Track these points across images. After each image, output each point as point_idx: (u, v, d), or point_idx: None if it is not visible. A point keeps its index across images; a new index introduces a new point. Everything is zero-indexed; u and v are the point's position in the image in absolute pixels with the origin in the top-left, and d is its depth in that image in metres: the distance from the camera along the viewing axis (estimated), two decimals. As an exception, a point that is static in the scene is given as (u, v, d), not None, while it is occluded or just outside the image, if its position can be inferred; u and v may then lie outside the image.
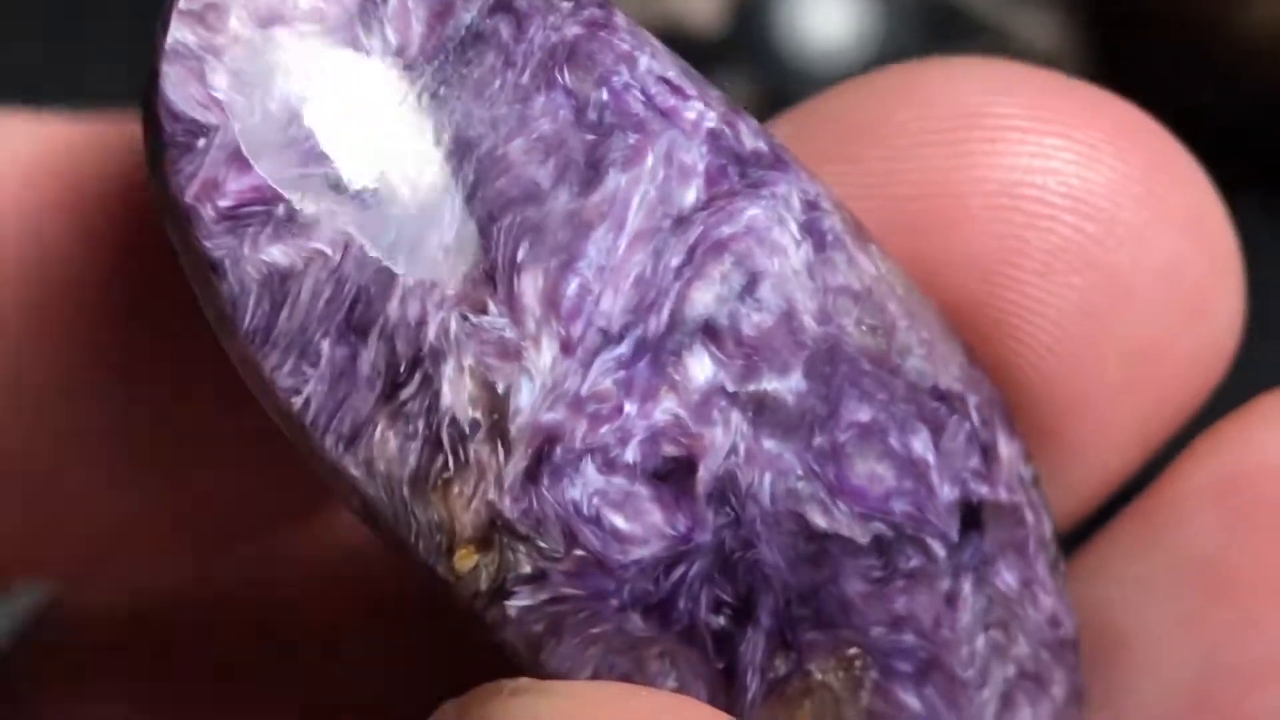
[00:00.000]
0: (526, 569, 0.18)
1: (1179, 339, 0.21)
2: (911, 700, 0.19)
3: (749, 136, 0.19)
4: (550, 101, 0.18)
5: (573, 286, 0.18)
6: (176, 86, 0.17)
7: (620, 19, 0.19)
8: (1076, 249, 0.21)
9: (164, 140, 0.17)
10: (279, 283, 0.17)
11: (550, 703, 0.17)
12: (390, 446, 0.17)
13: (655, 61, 0.19)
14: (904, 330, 0.20)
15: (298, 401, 0.17)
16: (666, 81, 0.19)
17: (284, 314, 0.17)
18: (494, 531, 0.17)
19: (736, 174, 0.19)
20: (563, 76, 0.18)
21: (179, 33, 0.17)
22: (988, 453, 0.20)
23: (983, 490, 0.20)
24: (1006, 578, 0.20)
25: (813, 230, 0.19)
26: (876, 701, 0.19)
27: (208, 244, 0.17)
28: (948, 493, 0.19)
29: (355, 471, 0.17)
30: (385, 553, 0.18)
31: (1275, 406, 0.22)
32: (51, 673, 0.25)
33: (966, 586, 0.20)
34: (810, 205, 0.20)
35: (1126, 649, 0.22)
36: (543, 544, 0.18)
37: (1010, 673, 0.20)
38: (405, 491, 0.17)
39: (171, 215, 0.17)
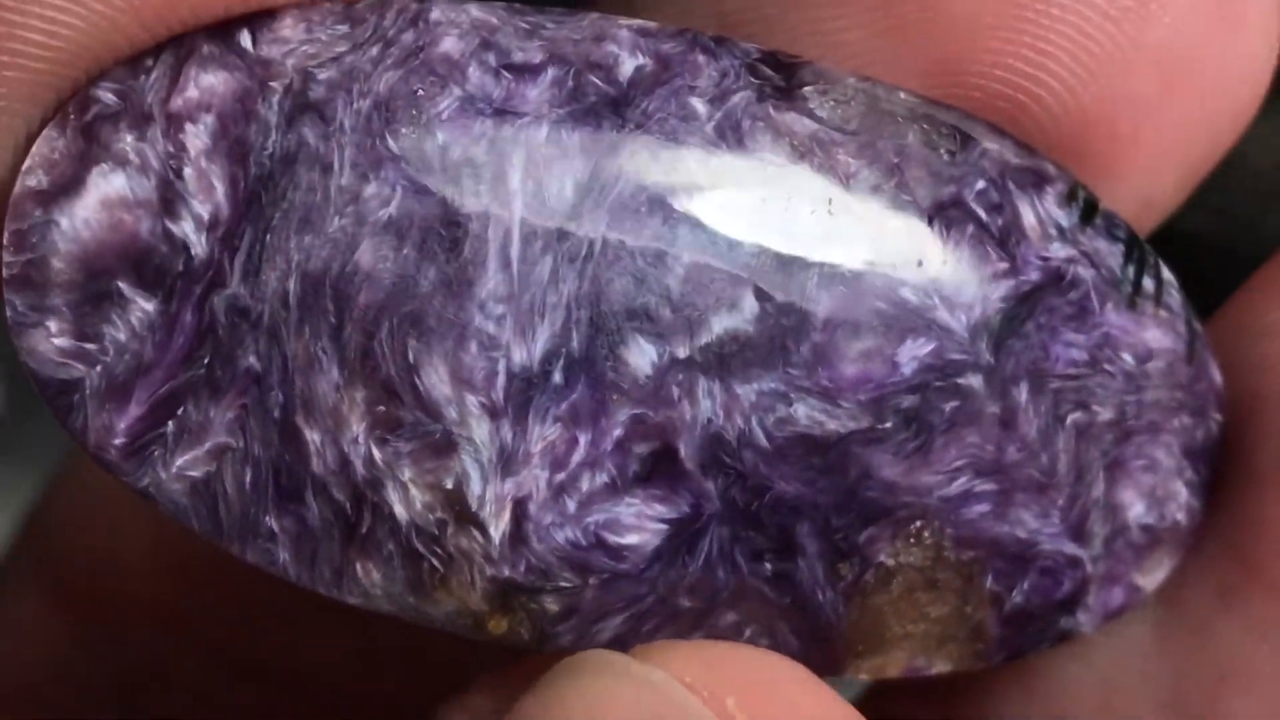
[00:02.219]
0: (556, 608, 0.18)
1: (1212, 50, 0.19)
2: (1003, 530, 0.18)
3: (626, 62, 0.17)
4: (383, 182, 0.17)
5: (474, 354, 0.17)
6: (32, 355, 0.17)
7: (437, 13, 0.17)
8: None
9: (50, 404, 0.17)
10: (204, 488, 0.17)
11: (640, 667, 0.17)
12: (375, 576, 0.17)
13: (491, 53, 0.17)
14: (863, 175, 0.18)
15: (277, 569, 0.18)
16: (507, 67, 0.17)
17: (222, 511, 0.17)
18: (509, 597, 0.18)
19: (614, 124, 0.17)
20: (388, 146, 0.17)
21: (13, 299, 0.17)
22: (1007, 239, 0.18)
23: (1009, 285, 0.18)
24: (1072, 354, 0.18)
25: (726, 126, 0.17)
26: (964, 552, 0.18)
27: (129, 480, 0.17)
28: (964, 319, 0.18)
29: (357, 602, 0.18)
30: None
31: None
32: None
33: (1022, 396, 0.18)
34: (715, 98, 0.17)
35: (1254, 398, 0.20)
36: (561, 584, 0.18)
37: (1108, 444, 0.19)
38: (411, 600, 0.18)
39: (98, 464, 0.17)
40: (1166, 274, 0.19)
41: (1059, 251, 0.18)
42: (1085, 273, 0.18)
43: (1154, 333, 0.19)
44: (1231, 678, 0.19)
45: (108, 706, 0.23)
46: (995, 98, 0.19)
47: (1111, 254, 0.19)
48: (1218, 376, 0.20)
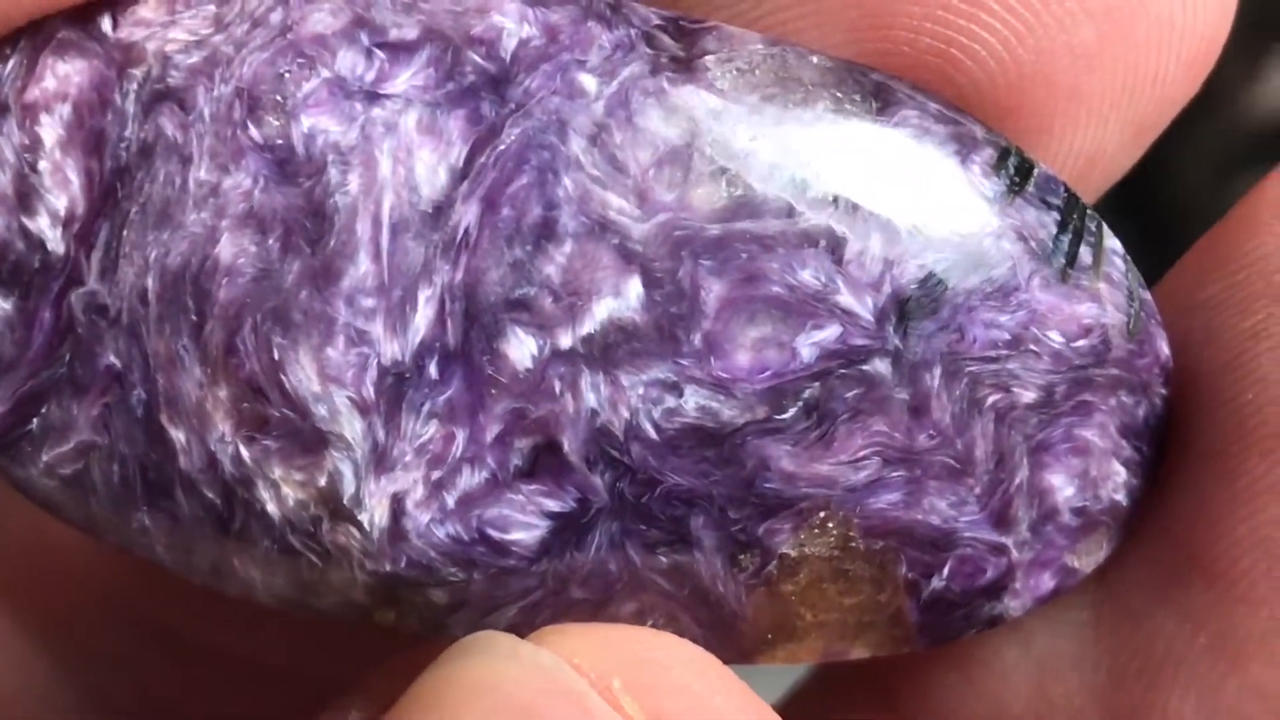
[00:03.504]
0: (444, 601, 0.17)
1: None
2: (915, 518, 0.17)
3: (510, 35, 0.17)
4: (244, 173, 0.16)
5: (343, 349, 0.16)
6: None
7: None
8: None
9: None
10: (75, 483, 0.17)
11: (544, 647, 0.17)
12: (255, 573, 0.17)
13: (364, 30, 0.17)
14: (765, 149, 0.17)
15: (158, 562, 0.17)
16: (381, 46, 0.16)
17: (94, 506, 0.17)
18: (393, 591, 0.17)
19: (492, 104, 0.16)
20: (250, 135, 0.16)
21: None
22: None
23: (921, 262, 0.17)
24: (992, 335, 0.17)
25: (615, 104, 0.17)
26: (874, 541, 0.18)
27: (8, 475, 0.17)
28: (870, 302, 0.17)
29: (239, 595, 0.17)
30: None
31: None
32: None
33: (935, 381, 0.17)
34: (606, 73, 0.17)
35: (1199, 373, 0.18)
36: (447, 578, 0.17)
37: (1032, 427, 0.18)
38: (293, 594, 0.17)
39: None
40: (1110, 242, 0.18)
41: (981, 226, 0.17)
42: (1011, 247, 0.17)
43: (1088, 307, 0.18)
44: (1167, 669, 0.19)
45: (56, 693, 0.24)
46: (926, 54, 0.18)
47: (1044, 224, 0.18)
48: (1165, 350, 0.19)
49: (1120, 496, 0.18)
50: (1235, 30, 0.20)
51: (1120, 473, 0.18)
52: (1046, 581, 0.18)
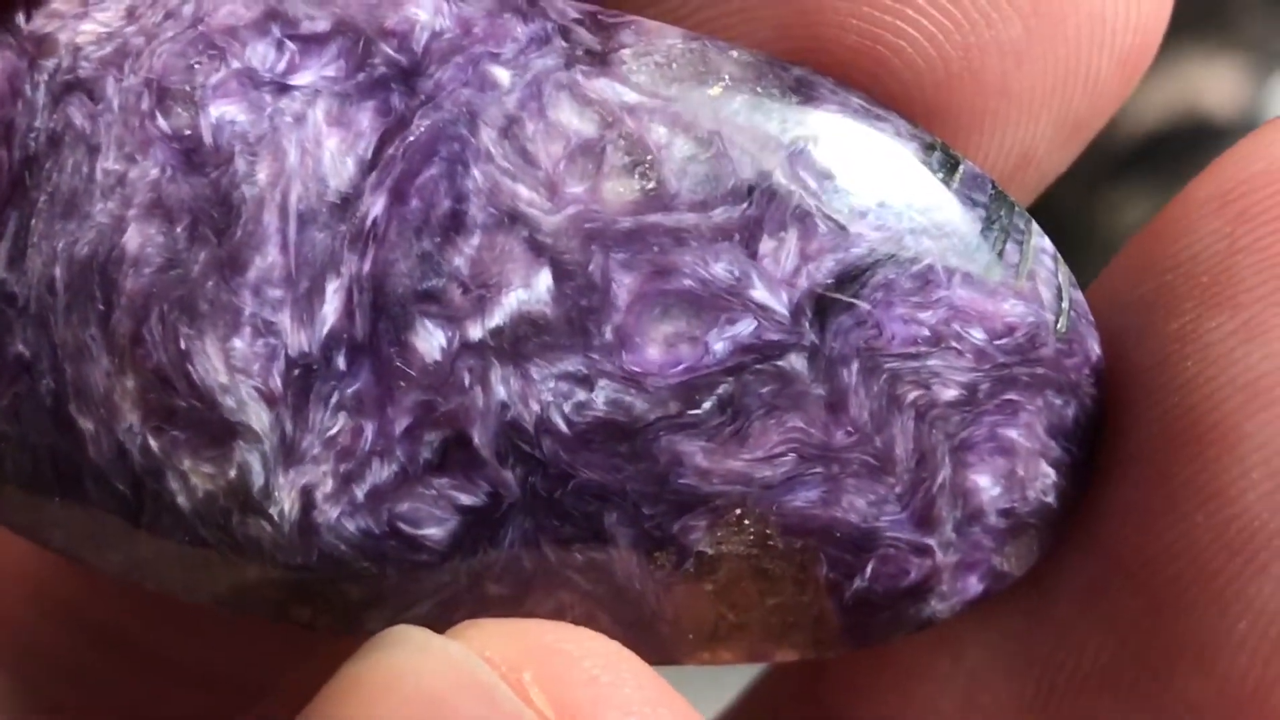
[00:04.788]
0: (358, 595, 0.17)
1: None
2: (834, 517, 0.17)
3: (423, 28, 0.17)
4: (151, 162, 0.16)
5: (249, 340, 0.16)
6: None
7: None
8: None
9: None
10: None
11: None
12: (165, 565, 0.17)
13: (276, 23, 0.17)
14: (677, 145, 0.17)
15: (73, 556, 0.17)
16: (293, 38, 0.16)
17: (7, 495, 0.17)
18: (306, 585, 0.17)
19: (402, 96, 0.16)
20: (158, 126, 0.16)
21: None
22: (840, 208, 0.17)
23: (837, 258, 0.17)
24: (911, 331, 0.17)
25: (528, 97, 0.16)
26: (793, 540, 0.17)
27: None
28: (784, 296, 0.17)
29: (153, 588, 0.17)
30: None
31: None
32: None
33: (852, 377, 0.17)
34: (520, 67, 0.17)
35: (1130, 375, 0.18)
36: (360, 572, 0.17)
37: (954, 425, 0.17)
38: (207, 588, 0.17)
39: None
40: (1039, 240, 0.18)
41: (901, 221, 0.17)
42: (932, 243, 0.17)
43: (1013, 304, 0.18)
44: (1094, 679, 0.18)
45: (6, 702, 0.24)
46: (853, 51, 0.18)
47: (968, 221, 0.17)
48: (1096, 350, 0.18)
49: (1049, 498, 0.18)
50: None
51: (1049, 474, 0.18)
52: (974, 584, 0.18)
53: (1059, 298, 0.18)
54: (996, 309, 0.17)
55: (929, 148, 0.17)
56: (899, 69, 0.18)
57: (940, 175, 0.17)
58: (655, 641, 0.18)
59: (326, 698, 0.16)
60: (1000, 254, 0.17)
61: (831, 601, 0.18)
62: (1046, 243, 0.18)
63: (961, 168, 0.18)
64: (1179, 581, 0.18)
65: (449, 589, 0.17)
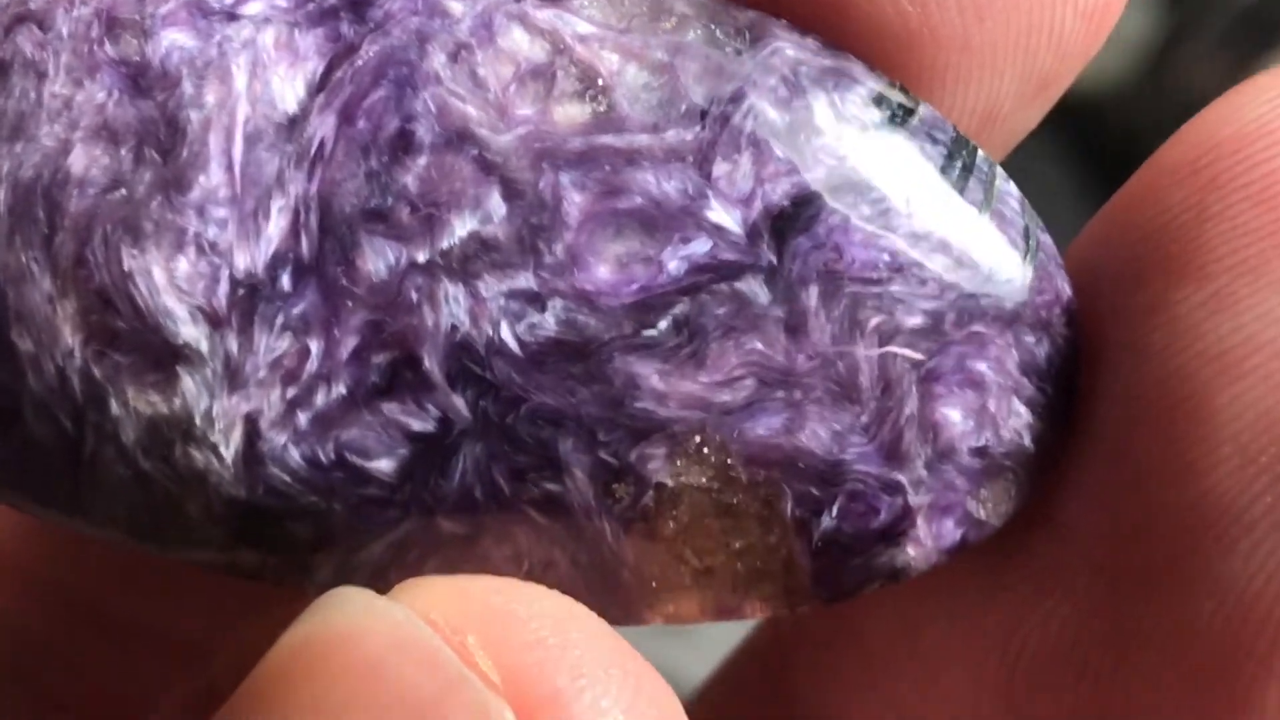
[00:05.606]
0: (307, 535, 0.17)
1: None
2: (798, 445, 0.17)
3: None
4: (99, 86, 0.16)
5: (194, 260, 0.16)
6: None
7: None
8: None
9: None
10: None
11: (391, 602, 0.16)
12: (109, 502, 0.16)
13: None
14: (629, 73, 0.17)
15: (14, 504, 0.17)
16: None
17: None
18: (252, 523, 0.16)
19: (351, 23, 0.16)
20: (106, 51, 0.16)
21: None
22: (795, 136, 0.17)
23: (793, 182, 0.17)
24: (872, 255, 0.17)
25: (479, 24, 0.17)
26: (755, 471, 0.17)
27: None
28: (739, 217, 0.16)
29: (96, 533, 0.17)
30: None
31: (1256, 84, 0.18)
32: None
33: (812, 300, 0.17)
34: None
35: (1098, 348, 0.18)
36: (307, 508, 0.16)
37: (920, 354, 0.17)
38: (151, 529, 0.17)
39: None
40: (1005, 184, 0.18)
41: (859, 150, 0.17)
42: (892, 175, 0.17)
43: (978, 238, 0.17)
44: (1056, 660, 0.18)
45: None
46: (809, 8, 0.18)
47: (928, 155, 0.17)
48: (1067, 290, 0.18)
49: (1025, 440, 0.17)
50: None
51: (1022, 412, 0.17)
52: (950, 529, 0.17)
53: (1025, 237, 0.18)
54: (960, 239, 0.17)
55: (888, 86, 0.17)
56: (856, 27, 0.18)
57: (899, 113, 0.17)
58: (617, 591, 0.17)
59: (267, 666, 0.15)
60: (962, 191, 0.17)
61: (800, 544, 0.17)
62: (1012, 187, 0.18)
63: (921, 109, 0.17)
64: (1145, 560, 0.17)
65: (400, 527, 0.17)
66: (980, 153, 0.18)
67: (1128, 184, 0.19)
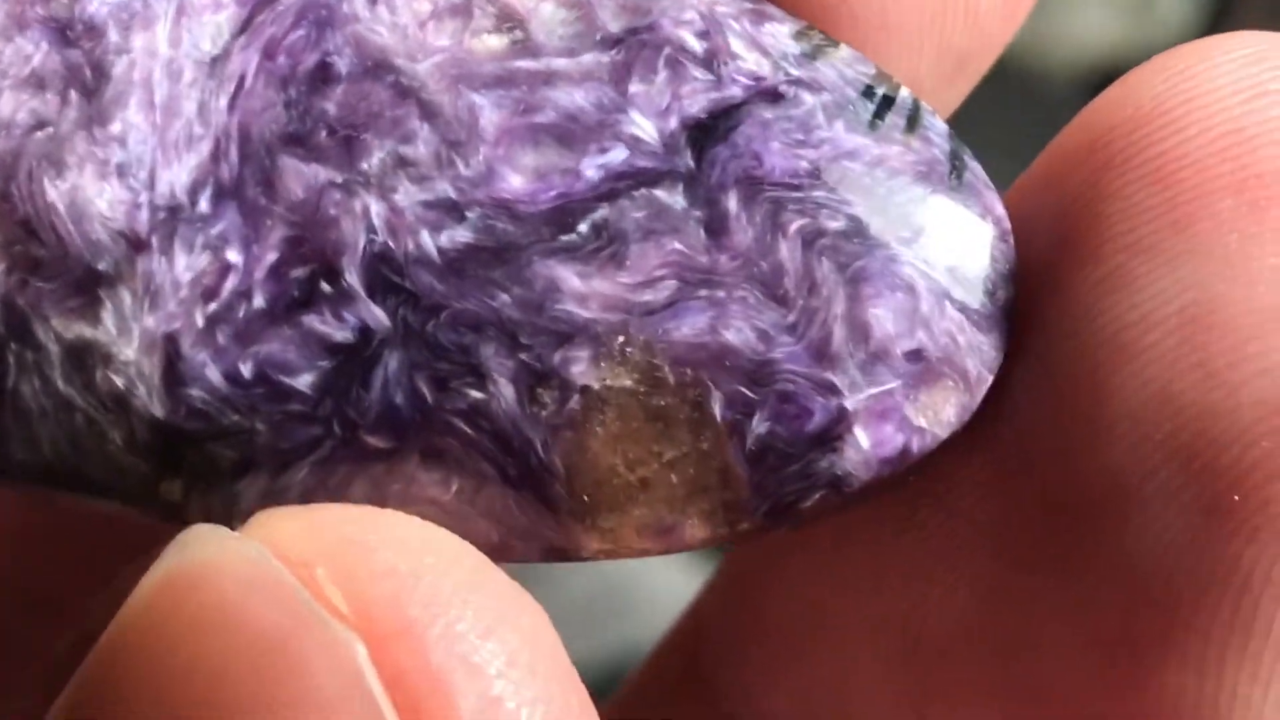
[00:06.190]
0: (231, 458, 0.16)
1: None
2: (724, 342, 0.17)
3: None
4: (27, 41, 0.17)
5: (115, 188, 0.16)
6: None
7: None
8: None
9: None
10: None
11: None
12: (30, 432, 0.16)
13: None
14: (548, 9, 0.17)
15: None
16: None
17: None
18: (175, 449, 0.16)
19: None
20: (37, 10, 0.17)
21: None
22: (712, 60, 0.17)
23: (710, 98, 0.17)
24: (791, 163, 0.17)
25: None
26: (682, 371, 0.17)
27: None
28: (655, 129, 0.17)
29: (21, 481, 0.17)
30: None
31: (1155, 63, 0.18)
32: None
33: (733, 204, 0.17)
34: None
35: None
36: (229, 428, 0.16)
37: (846, 255, 0.17)
38: (74, 463, 0.16)
39: None
40: (929, 118, 0.18)
41: (777, 75, 0.17)
42: (809, 96, 0.17)
43: (899, 151, 0.17)
44: (958, 638, 0.18)
45: None
46: None
47: (850, 81, 0.17)
48: (1000, 210, 0.18)
49: (960, 347, 0.17)
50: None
51: (957, 318, 0.17)
52: (890, 435, 0.17)
53: (951, 159, 0.18)
54: (884, 151, 0.17)
55: (807, 27, 0.18)
56: (776, 3, 0.18)
57: (820, 47, 0.17)
58: (551, 508, 0.17)
59: (126, 612, 0.15)
60: (883, 116, 0.17)
61: (734, 449, 0.17)
62: (939, 121, 0.18)
63: (842, 48, 0.18)
64: (1043, 539, 0.17)
65: (325, 445, 0.16)
66: (904, 89, 0.18)
67: (1032, 166, 0.19)
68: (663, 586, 0.50)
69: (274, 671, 0.14)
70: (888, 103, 0.17)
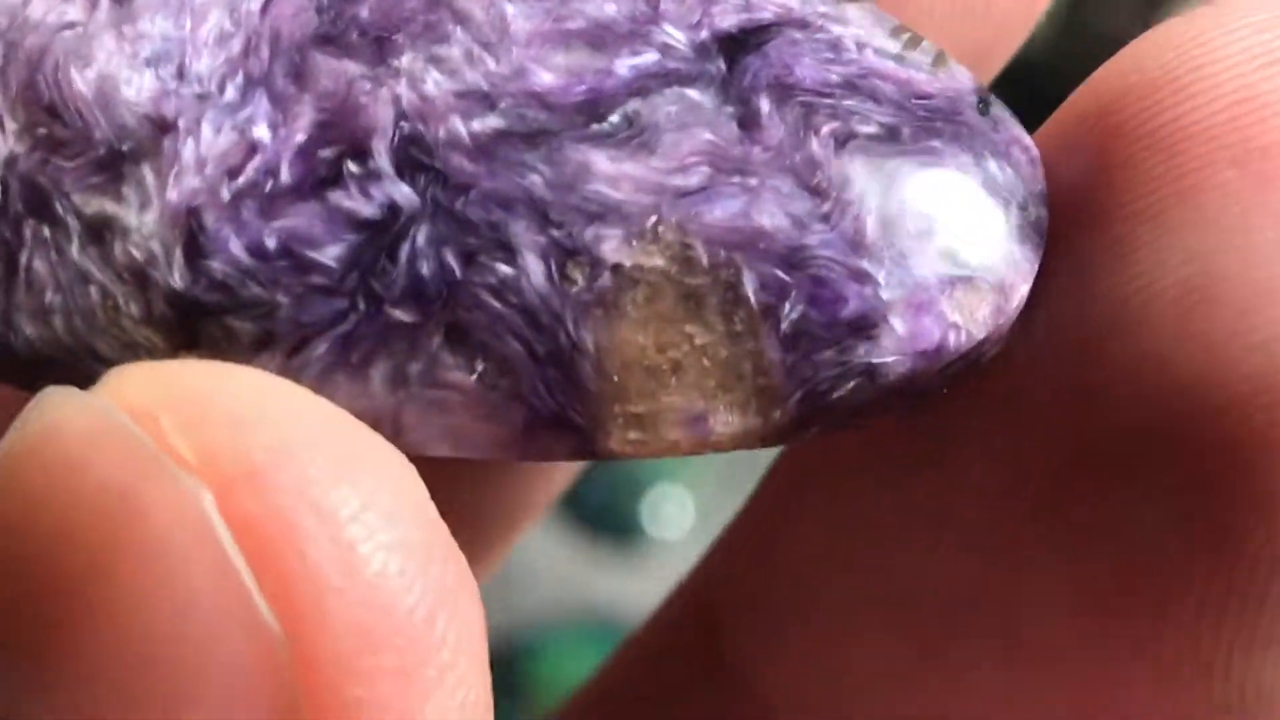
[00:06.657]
0: (250, 332, 0.16)
1: None
2: (757, 225, 0.16)
3: None
4: None
5: (143, 75, 0.16)
6: None
7: None
8: None
9: None
10: None
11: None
12: (45, 303, 0.16)
13: None
14: None
15: None
16: None
17: None
18: (194, 322, 0.16)
19: None
20: None
21: None
22: None
23: (741, 18, 0.17)
24: (823, 75, 0.17)
25: None
26: (716, 251, 0.16)
27: None
28: (686, 38, 0.17)
29: (28, 357, 0.16)
30: None
31: (1166, 30, 0.18)
32: None
33: (765, 105, 0.17)
34: None
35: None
36: (249, 300, 0.16)
37: (879, 155, 0.17)
38: (87, 337, 0.16)
39: None
40: (956, 65, 0.18)
41: (809, 4, 0.17)
42: (836, 28, 0.17)
43: (928, 78, 0.17)
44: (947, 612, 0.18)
45: None
46: None
47: (881, 20, 0.18)
48: (1027, 139, 0.18)
49: (996, 249, 0.17)
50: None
51: (992, 222, 0.17)
52: (928, 327, 0.17)
53: (979, 93, 0.18)
54: (911, 77, 0.17)
55: None
56: None
57: None
58: (580, 388, 0.16)
59: None
60: (914, 50, 0.18)
61: (767, 333, 0.16)
62: (967, 71, 0.18)
63: (868, 2, 0.18)
64: (1039, 501, 0.17)
65: (347, 321, 0.16)
66: (927, 39, 0.18)
67: (1043, 127, 0.19)
68: None
69: (118, 523, 0.14)
70: (916, 39, 0.18)
